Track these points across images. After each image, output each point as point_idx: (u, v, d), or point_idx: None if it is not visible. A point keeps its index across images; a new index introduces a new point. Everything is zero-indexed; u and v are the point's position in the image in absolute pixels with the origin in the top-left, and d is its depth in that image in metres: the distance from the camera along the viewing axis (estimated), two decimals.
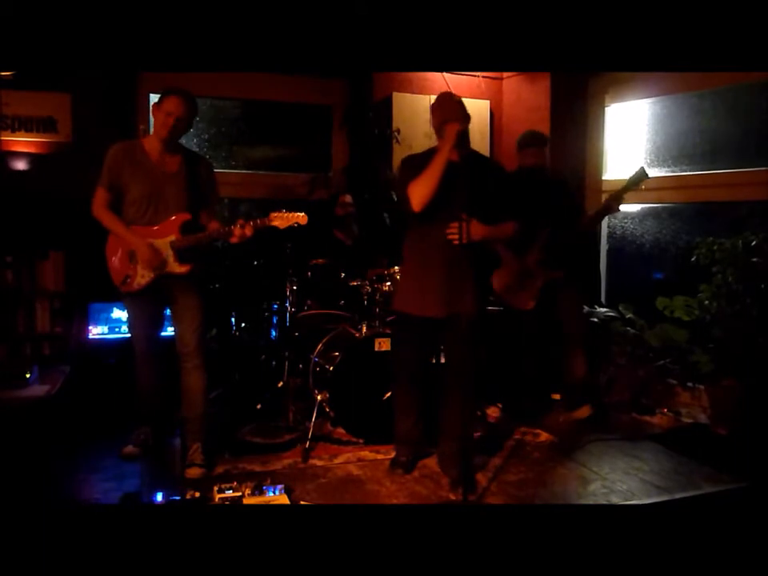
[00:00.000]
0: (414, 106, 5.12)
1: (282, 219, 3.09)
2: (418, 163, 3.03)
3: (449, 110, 3.02)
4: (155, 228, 3.14)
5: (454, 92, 3.37)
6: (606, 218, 5.02)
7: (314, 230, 4.46)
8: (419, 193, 2.94)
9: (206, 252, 3.29)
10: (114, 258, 3.24)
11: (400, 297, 3.31)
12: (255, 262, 4.55)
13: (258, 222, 3.09)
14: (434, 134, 3.14)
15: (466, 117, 3.05)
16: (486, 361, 4.10)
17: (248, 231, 3.06)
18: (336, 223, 4.63)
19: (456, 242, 2.93)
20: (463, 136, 2.97)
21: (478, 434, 3.77)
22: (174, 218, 3.13)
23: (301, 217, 3.13)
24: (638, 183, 3.72)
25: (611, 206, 3.84)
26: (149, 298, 3.26)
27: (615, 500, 3.02)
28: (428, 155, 3.04)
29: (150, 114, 3.20)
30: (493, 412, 4.22)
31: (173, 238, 3.13)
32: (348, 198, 4.67)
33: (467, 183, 2.85)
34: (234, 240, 3.08)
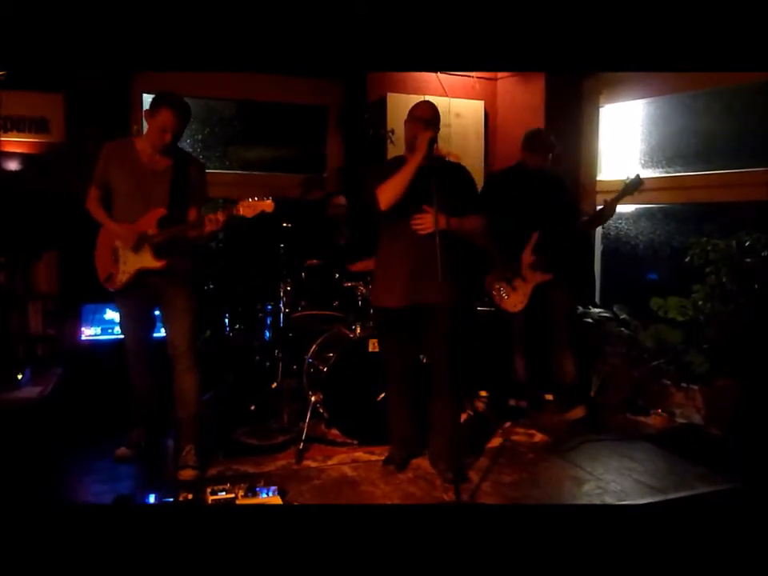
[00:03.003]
0: (409, 106, 4.98)
1: (249, 208, 3.05)
2: (386, 167, 3.21)
3: (423, 117, 3.18)
4: (135, 224, 3.14)
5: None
6: None
7: (308, 230, 4.49)
8: (387, 195, 3.07)
9: (189, 249, 3.28)
10: (99, 256, 3.29)
11: (374, 291, 3.42)
12: (249, 263, 4.54)
13: (226, 210, 3.06)
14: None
15: (437, 126, 3.20)
16: (473, 359, 4.12)
17: (220, 217, 3.04)
18: (326, 224, 4.62)
19: (425, 231, 3.05)
20: (433, 144, 3.08)
21: (465, 416, 3.91)
22: (151, 212, 3.13)
23: (267, 204, 3.06)
24: (632, 191, 3.75)
25: (604, 216, 3.89)
26: (137, 298, 3.27)
27: (609, 500, 3.02)
28: (397, 162, 3.21)
29: (143, 118, 3.18)
30: (480, 407, 4.23)
31: (150, 232, 3.13)
32: (341, 200, 4.66)
33: (435, 185, 2.94)
34: (208, 228, 3.05)
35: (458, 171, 3.34)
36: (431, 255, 2.89)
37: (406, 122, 3.26)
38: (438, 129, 3.22)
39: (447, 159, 3.35)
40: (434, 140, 3.08)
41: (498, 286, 4.02)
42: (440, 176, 3.02)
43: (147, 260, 3.15)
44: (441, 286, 2.89)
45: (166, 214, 3.13)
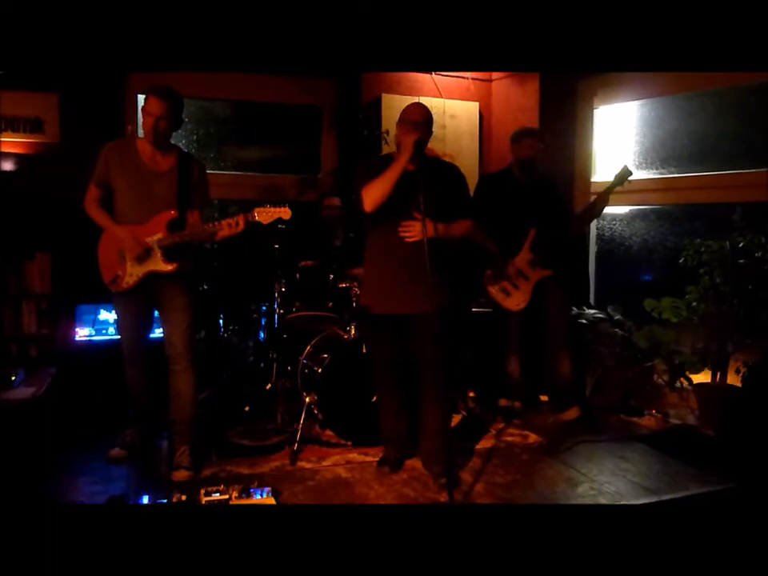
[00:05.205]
0: (403, 107, 5.09)
1: (266, 214, 3.10)
2: (374, 166, 3.11)
3: (411, 119, 3.11)
4: (142, 226, 3.13)
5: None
6: (595, 220, 5.03)
7: (303, 231, 4.49)
8: (372, 196, 3.02)
9: (193, 251, 3.28)
10: (104, 257, 3.26)
11: (363, 294, 3.37)
12: (243, 264, 4.53)
13: (242, 217, 3.10)
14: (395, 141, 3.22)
15: (426, 129, 3.12)
16: (464, 359, 4.13)
17: (241, 221, 3.08)
18: (321, 225, 4.62)
19: (412, 239, 3.01)
20: (420, 146, 3.03)
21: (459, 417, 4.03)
22: (160, 215, 3.13)
23: (284, 212, 3.14)
24: (622, 180, 3.77)
25: (596, 208, 3.89)
26: (138, 298, 3.26)
27: (603, 501, 3.03)
28: (385, 160, 3.13)
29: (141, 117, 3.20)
30: (474, 408, 4.25)
31: (159, 236, 3.12)
32: (335, 201, 4.66)
33: (422, 191, 2.92)
34: (222, 233, 3.09)
35: (448, 172, 3.27)
36: (420, 264, 2.87)
37: (397, 123, 3.20)
38: (430, 132, 3.16)
39: (440, 159, 3.28)
40: (420, 142, 3.01)
41: (499, 285, 4.00)
42: (429, 179, 2.97)
43: (157, 263, 3.15)
44: (430, 294, 2.89)
45: (176, 217, 3.13)
